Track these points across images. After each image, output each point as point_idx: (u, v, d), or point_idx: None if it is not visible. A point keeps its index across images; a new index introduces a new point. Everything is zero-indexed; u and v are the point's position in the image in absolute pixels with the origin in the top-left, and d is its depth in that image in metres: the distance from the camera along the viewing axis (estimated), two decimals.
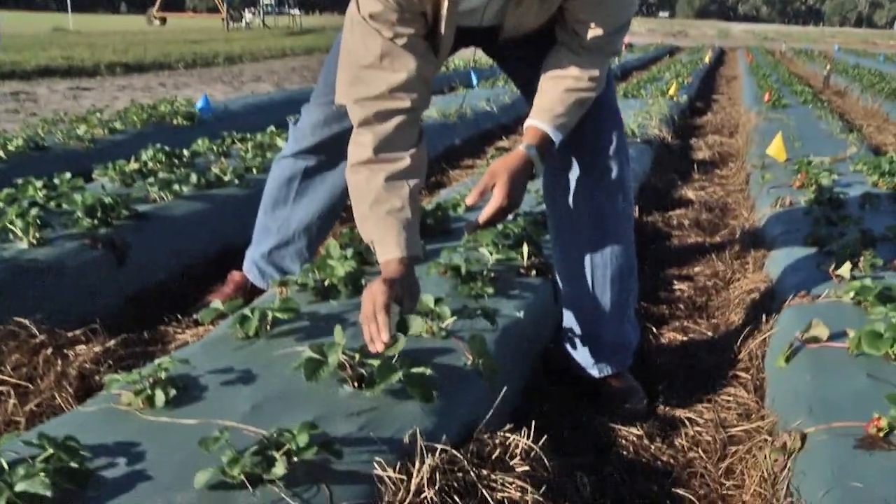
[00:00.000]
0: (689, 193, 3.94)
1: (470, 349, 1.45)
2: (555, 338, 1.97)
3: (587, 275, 1.69)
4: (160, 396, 1.26)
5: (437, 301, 1.59)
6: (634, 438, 1.62)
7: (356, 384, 1.33)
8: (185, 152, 3.60)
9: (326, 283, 1.84)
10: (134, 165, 3.06)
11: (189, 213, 2.67)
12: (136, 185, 2.85)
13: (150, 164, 3.17)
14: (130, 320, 2.11)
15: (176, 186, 2.74)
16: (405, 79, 1.35)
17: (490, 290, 1.85)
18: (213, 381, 1.37)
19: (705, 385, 1.88)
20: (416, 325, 1.41)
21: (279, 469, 1.03)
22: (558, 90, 1.48)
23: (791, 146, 4.14)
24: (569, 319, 1.80)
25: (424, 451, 1.15)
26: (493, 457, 1.25)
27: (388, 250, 1.39)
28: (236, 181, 3.10)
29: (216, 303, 1.71)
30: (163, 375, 1.31)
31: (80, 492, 1.01)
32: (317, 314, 1.71)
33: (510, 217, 1.79)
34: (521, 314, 1.78)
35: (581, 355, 1.80)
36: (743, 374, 1.88)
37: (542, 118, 1.48)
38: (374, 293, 1.31)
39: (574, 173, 1.64)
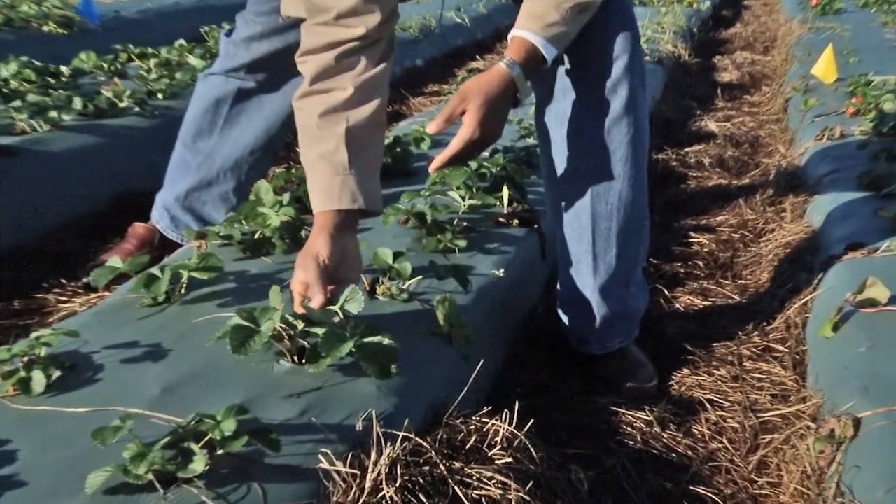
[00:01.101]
0: (711, 125, 3.95)
1: (438, 314, 1.47)
2: (543, 302, 2.01)
3: (587, 227, 1.71)
4: (38, 379, 1.25)
5: (397, 256, 1.60)
6: (642, 425, 1.65)
7: (296, 359, 1.34)
8: (65, 70, 3.51)
9: (257, 235, 1.85)
10: None
11: (73, 148, 2.61)
12: None
13: (15, 84, 3.14)
14: None
15: (53, 113, 2.67)
16: (355, 3, 1.38)
17: (462, 243, 1.87)
18: (112, 359, 1.37)
19: (730, 360, 1.91)
20: (354, 302, 1.38)
21: (198, 464, 1.03)
22: None
23: (844, 63, 4.12)
24: (563, 281, 1.82)
25: (382, 440, 1.16)
26: (468, 446, 1.27)
27: (317, 201, 1.41)
28: (136, 108, 3.05)
29: (114, 261, 1.69)
30: (42, 352, 1.29)
31: None
32: (245, 274, 1.72)
33: (486, 153, 1.82)
34: (500, 272, 1.81)
35: (577, 324, 1.83)
36: (778, 347, 1.91)
37: (531, 27, 1.46)
38: (303, 261, 1.37)
39: (572, 98, 1.63)
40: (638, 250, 1.78)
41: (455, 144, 1.43)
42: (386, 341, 1.29)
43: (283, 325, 1.32)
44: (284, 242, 1.82)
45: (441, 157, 1.45)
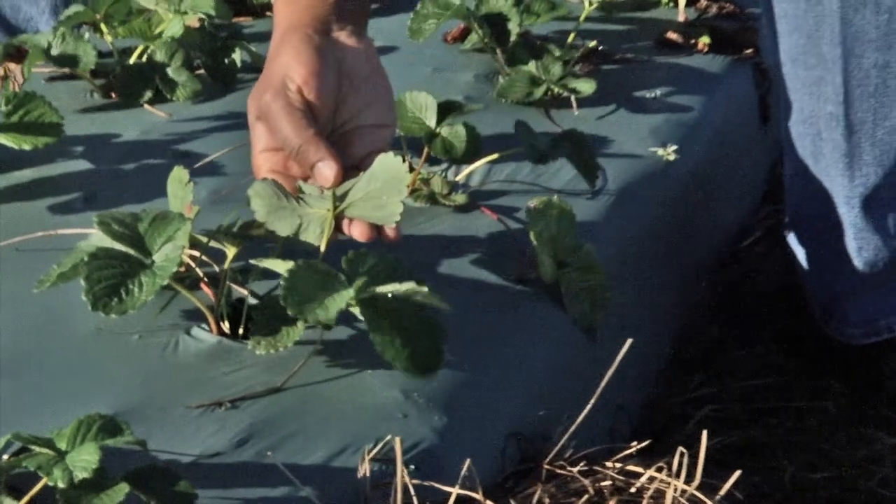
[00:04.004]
0: None
1: (533, 238, 1.42)
2: (763, 221, 2.14)
3: (837, 62, 1.72)
4: None
5: (447, 111, 1.60)
6: None
7: (226, 326, 1.32)
8: None
9: (136, 57, 1.93)
10: None
11: None
12: None
13: None
14: None
15: None
16: None
17: (584, 85, 1.86)
18: None
19: None
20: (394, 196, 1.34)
21: None
22: None
23: None
24: (791, 185, 1.90)
25: None
26: None
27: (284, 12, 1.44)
28: None
29: None
30: None
31: None
32: (111, 141, 1.77)
33: None
34: (668, 151, 1.78)
35: (819, 275, 1.90)
36: None
37: None
38: (265, 101, 1.37)
39: None
40: None
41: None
42: (424, 294, 1.21)
43: (198, 254, 1.33)
44: (194, 74, 1.89)
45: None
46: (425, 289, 1.21)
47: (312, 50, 1.37)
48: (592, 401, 1.28)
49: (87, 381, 1.26)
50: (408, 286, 1.21)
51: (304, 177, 1.37)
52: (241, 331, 1.31)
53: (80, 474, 1.00)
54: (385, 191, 1.33)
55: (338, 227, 1.34)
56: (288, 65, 1.36)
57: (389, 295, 1.23)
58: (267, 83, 1.37)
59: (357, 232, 1.32)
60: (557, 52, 1.92)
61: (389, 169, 1.33)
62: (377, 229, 1.33)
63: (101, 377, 1.27)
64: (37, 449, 1.03)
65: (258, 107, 1.36)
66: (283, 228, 1.32)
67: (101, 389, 1.23)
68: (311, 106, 1.35)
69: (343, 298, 1.20)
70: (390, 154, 1.34)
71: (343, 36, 1.41)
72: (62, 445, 1.03)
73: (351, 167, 1.35)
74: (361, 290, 1.21)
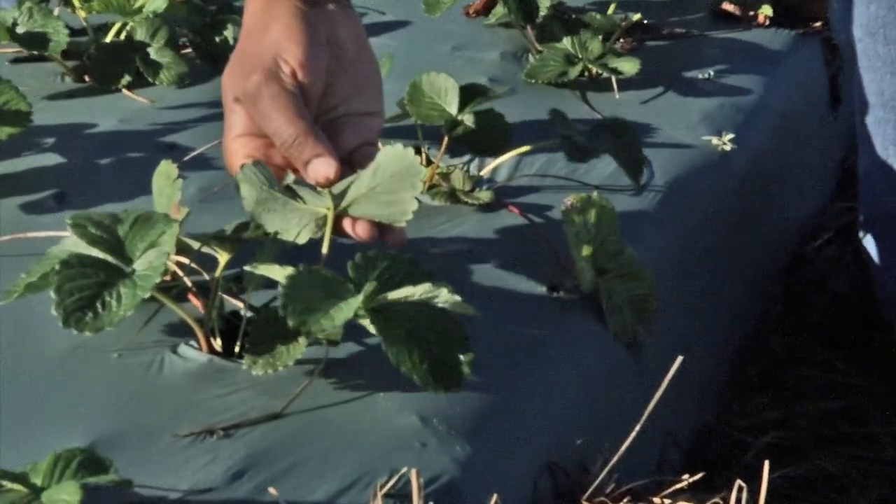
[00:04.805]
0: None
1: (570, 240, 1.42)
2: (837, 218, 2.16)
3: None
4: None
5: (469, 96, 1.61)
6: None
7: (218, 343, 1.32)
8: None
9: (113, 34, 1.96)
10: None
11: None
12: None
13: None
14: None
15: None
16: None
17: (627, 64, 1.88)
18: None
19: None
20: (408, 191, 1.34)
21: None
22: None
23: None
24: (866, 173, 1.92)
25: None
26: None
27: None
28: None
29: None
30: None
31: None
32: (83, 131, 1.79)
33: None
34: (723, 141, 1.79)
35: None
36: None
37: None
38: (248, 84, 1.37)
39: None
40: None
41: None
42: (445, 298, 1.21)
43: (186, 261, 1.34)
44: (180, 55, 1.90)
45: None
46: (445, 290, 1.21)
47: (305, 25, 1.37)
48: (638, 427, 1.27)
49: (62, 407, 1.25)
50: (424, 288, 1.21)
51: (287, 166, 1.39)
52: (237, 348, 1.29)
53: None
54: (394, 185, 1.33)
55: (335, 229, 1.35)
56: (279, 43, 1.36)
57: (404, 300, 1.23)
58: (253, 62, 1.36)
59: (361, 230, 1.32)
60: (595, 26, 1.90)
61: (398, 161, 1.33)
62: (380, 229, 1.33)
63: (76, 401, 1.25)
64: (8, 485, 1.03)
65: (242, 89, 1.36)
66: (273, 223, 1.33)
67: (76, 416, 1.22)
68: (303, 91, 1.36)
69: (351, 307, 1.18)
70: (398, 145, 1.33)
71: (331, 5, 1.41)
72: (37, 481, 1.03)
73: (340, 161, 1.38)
74: (372, 296, 1.20)
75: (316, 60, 1.37)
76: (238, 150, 1.38)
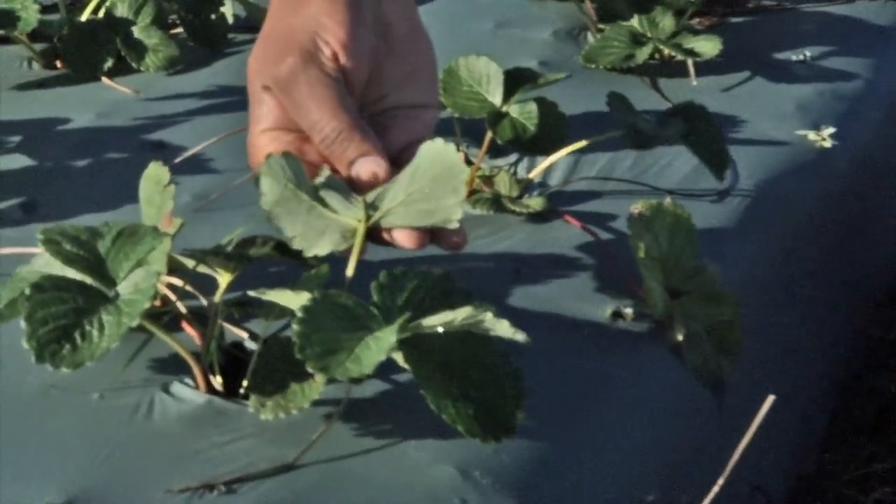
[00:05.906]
0: None
1: (640, 257, 1.44)
2: None
3: None
4: None
5: (516, 82, 1.64)
6: None
7: (218, 381, 1.33)
8: None
9: (90, 9, 2.04)
10: None
11: None
12: None
13: None
14: None
15: None
16: None
17: (706, 45, 1.93)
18: None
19: None
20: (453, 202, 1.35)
21: None
22: None
23: None
24: None
25: None
26: None
27: None
28: None
29: None
30: None
31: None
32: (55, 128, 1.85)
33: None
34: (822, 136, 1.83)
35: None
36: None
37: None
38: (281, 71, 1.38)
39: None
40: None
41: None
42: (491, 324, 1.20)
43: (180, 282, 1.36)
44: (169, 35, 1.97)
45: None
46: (490, 314, 1.19)
47: (349, 7, 1.37)
48: (721, 481, 1.27)
49: (33, 458, 1.25)
50: (466, 312, 1.20)
51: (322, 163, 1.39)
52: (241, 388, 1.30)
53: None
54: (434, 191, 1.33)
55: (372, 238, 1.34)
56: (317, 20, 1.36)
57: (440, 330, 1.24)
58: (286, 42, 1.37)
59: (403, 238, 1.33)
60: (668, 0, 1.86)
61: (439, 160, 1.33)
62: (430, 234, 1.33)
63: (50, 452, 1.26)
64: None
65: (274, 75, 1.36)
66: (291, 227, 1.33)
67: (52, 467, 1.23)
68: (346, 77, 1.36)
69: (381, 347, 1.18)
70: (438, 140, 1.32)
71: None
72: None
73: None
74: (403, 328, 1.20)
75: (361, 41, 1.37)
76: (266, 146, 1.38)
